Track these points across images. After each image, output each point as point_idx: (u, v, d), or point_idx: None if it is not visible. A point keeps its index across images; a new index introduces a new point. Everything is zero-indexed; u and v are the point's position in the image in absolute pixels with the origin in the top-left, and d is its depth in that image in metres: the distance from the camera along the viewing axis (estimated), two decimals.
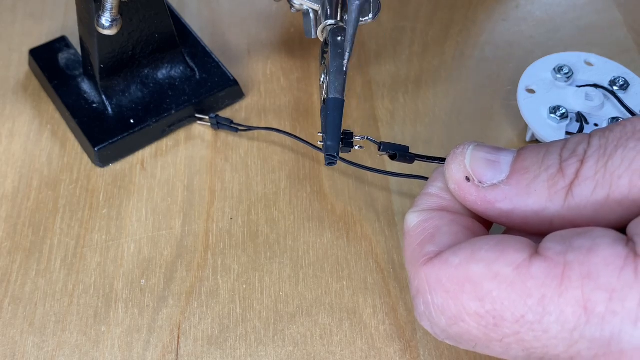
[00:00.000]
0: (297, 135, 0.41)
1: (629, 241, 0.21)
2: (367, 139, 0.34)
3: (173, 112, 0.41)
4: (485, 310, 0.22)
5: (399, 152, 0.33)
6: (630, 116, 0.39)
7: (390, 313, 0.35)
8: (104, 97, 0.41)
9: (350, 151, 0.34)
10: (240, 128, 0.42)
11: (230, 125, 0.42)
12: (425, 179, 0.38)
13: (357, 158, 0.40)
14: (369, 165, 0.38)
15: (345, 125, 0.33)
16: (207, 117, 0.42)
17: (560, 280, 0.21)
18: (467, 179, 0.26)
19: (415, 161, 0.33)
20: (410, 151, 0.33)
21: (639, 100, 0.40)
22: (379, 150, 0.33)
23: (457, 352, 0.34)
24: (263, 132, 0.42)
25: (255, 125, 0.42)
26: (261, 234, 0.38)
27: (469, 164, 0.26)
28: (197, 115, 0.42)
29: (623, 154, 0.23)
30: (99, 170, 0.40)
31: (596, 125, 0.39)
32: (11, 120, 0.43)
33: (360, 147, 0.34)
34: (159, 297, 0.35)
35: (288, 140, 0.42)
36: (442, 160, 0.32)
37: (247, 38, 0.48)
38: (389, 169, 0.40)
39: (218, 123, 0.42)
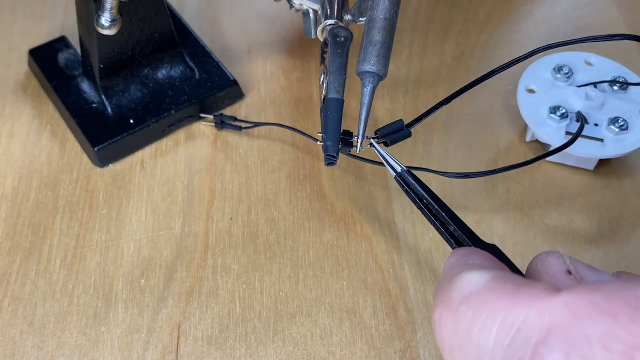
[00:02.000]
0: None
1: None
2: (366, 137, 0.34)
3: (173, 112, 0.41)
4: None
5: (392, 133, 0.33)
6: None
7: (390, 313, 0.35)
8: (103, 97, 0.41)
9: (349, 151, 0.34)
10: (244, 125, 0.42)
11: (233, 123, 0.42)
12: (425, 170, 0.37)
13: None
14: (369, 165, 0.38)
15: (345, 126, 0.33)
16: (211, 117, 0.42)
17: None
18: (569, 272, 0.24)
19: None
20: (404, 129, 0.34)
21: (638, 100, 0.40)
22: (377, 138, 0.33)
23: None
24: (263, 131, 0.42)
25: None
26: (261, 234, 0.38)
27: (568, 260, 0.24)
28: (201, 115, 0.42)
29: None
30: (98, 170, 0.40)
31: (596, 125, 0.39)
32: (11, 121, 0.43)
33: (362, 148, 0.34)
34: (158, 297, 0.35)
35: (288, 140, 0.42)
36: (431, 111, 0.33)
37: (247, 38, 0.48)
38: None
39: (222, 122, 0.42)
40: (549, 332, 0.19)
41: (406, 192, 0.30)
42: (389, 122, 0.34)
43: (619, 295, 0.19)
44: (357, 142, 0.33)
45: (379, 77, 0.33)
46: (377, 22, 0.33)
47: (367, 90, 0.33)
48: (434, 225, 0.29)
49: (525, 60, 0.43)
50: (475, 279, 0.22)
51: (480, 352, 0.20)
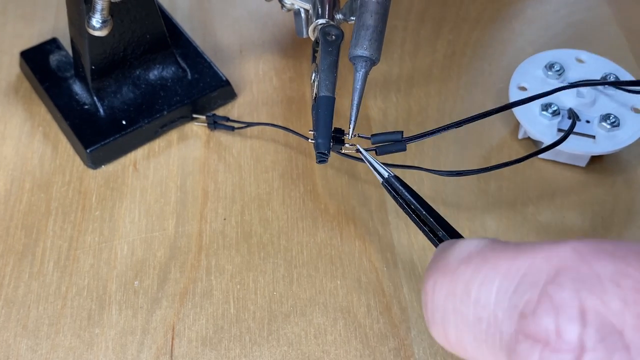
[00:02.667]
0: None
1: None
2: (358, 136, 0.34)
3: (165, 112, 0.41)
4: None
5: (386, 142, 0.33)
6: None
7: (384, 312, 0.35)
8: (95, 98, 0.41)
9: (341, 149, 0.34)
10: (236, 125, 0.42)
11: (226, 124, 0.42)
12: (418, 168, 0.37)
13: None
14: (362, 164, 0.38)
15: (337, 124, 0.33)
16: (203, 117, 0.42)
17: None
18: None
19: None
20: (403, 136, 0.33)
21: (630, 96, 0.40)
22: (374, 151, 0.33)
23: None
24: (256, 131, 0.42)
25: None
26: (255, 234, 0.38)
27: None
28: (194, 115, 0.42)
29: None
30: (91, 172, 0.40)
31: (588, 122, 0.39)
32: (2, 123, 0.42)
33: (352, 145, 0.34)
34: (152, 299, 0.35)
35: (281, 139, 0.42)
36: (434, 132, 0.32)
37: (239, 38, 0.48)
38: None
39: (215, 122, 0.42)
40: (557, 272, 0.18)
41: (394, 197, 0.30)
42: (388, 131, 0.33)
43: (625, 245, 0.19)
44: (350, 129, 0.33)
45: (372, 61, 0.32)
46: (369, 6, 0.33)
47: (360, 75, 0.32)
48: (422, 230, 0.29)
49: (517, 58, 0.43)
50: (474, 243, 0.21)
51: (480, 309, 0.19)
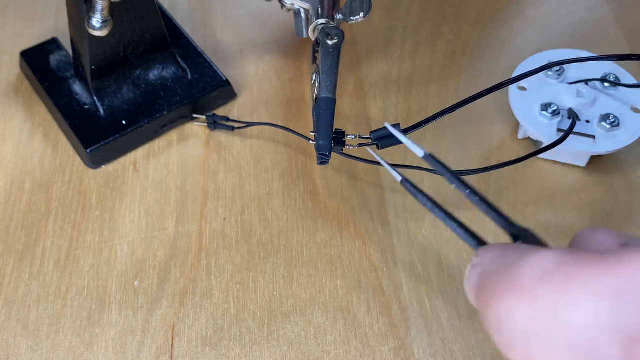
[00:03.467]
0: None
1: None
2: (359, 137, 0.34)
3: (165, 112, 0.41)
4: None
5: (384, 137, 0.33)
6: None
7: (384, 312, 0.35)
8: (95, 98, 0.41)
9: (342, 150, 0.34)
10: (236, 125, 0.42)
11: (226, 124, 0.42)
12: (418, 168, 0.37)
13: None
14: (362, 164, 0.39)
15: (338, 125, 0.33)
16: (203, 117, 0.42)
17: None
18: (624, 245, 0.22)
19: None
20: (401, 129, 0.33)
21: (630, 96, 0.40)
22: (375, 146, 0.33)
23: (451, 350, 0.34)
24: (256, 132, 0.42)
25: None
26: (255, 234, 0.38)
27: (621, 233, 0.22)
28: (194, 115, 0.42)
29: None
30: (91, 172, 0.40)
31: (588, 122, 0.40)
32: (3, 123, 0.42)
33: (352, 146, 0.34)
34: (152, 299, 0.35)
35: (281, 139, 0.42)
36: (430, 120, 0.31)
37: (239, 38, 0.48)
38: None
39: (215, 122, 0.42)
40: None
41: (417, 195, 0.28)
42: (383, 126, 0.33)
43: None
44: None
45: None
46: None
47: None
48: (451, 225, 0.27)
49: (517, 58, 0.43)
50: (548, 258, 0.19)
51: (572, 332, 0.18)
